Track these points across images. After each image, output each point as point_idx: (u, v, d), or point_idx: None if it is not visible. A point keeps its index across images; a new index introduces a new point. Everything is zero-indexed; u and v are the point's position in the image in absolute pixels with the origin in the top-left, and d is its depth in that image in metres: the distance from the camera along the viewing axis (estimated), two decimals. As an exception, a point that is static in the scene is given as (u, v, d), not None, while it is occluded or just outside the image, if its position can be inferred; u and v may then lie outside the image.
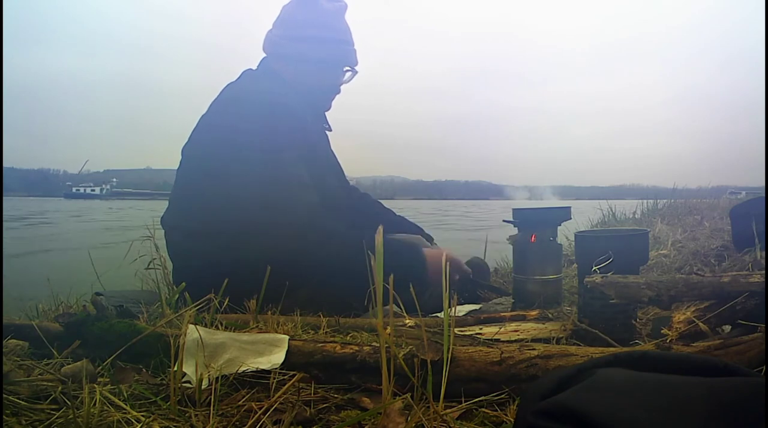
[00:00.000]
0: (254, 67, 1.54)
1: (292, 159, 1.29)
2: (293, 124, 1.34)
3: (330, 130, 1.65)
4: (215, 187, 1.28)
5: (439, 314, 1.26)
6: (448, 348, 0.72)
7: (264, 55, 1.55)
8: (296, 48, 1.48)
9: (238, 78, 1.46)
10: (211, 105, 1.39)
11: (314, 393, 0.77)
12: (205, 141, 1.37)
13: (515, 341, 0.98)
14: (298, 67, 1.49)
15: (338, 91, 1.58)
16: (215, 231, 1.26)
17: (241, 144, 1.27)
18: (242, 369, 0.79)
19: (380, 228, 0.65)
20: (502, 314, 1.18)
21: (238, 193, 1.25)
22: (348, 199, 1.64)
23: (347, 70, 1.56)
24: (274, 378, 0.78)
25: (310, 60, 1.49)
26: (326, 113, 1.62)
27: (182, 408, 0.71)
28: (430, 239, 1.72)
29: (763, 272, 0.95)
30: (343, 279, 1.23)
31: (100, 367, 0.82)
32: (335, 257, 1.24)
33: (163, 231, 1.44)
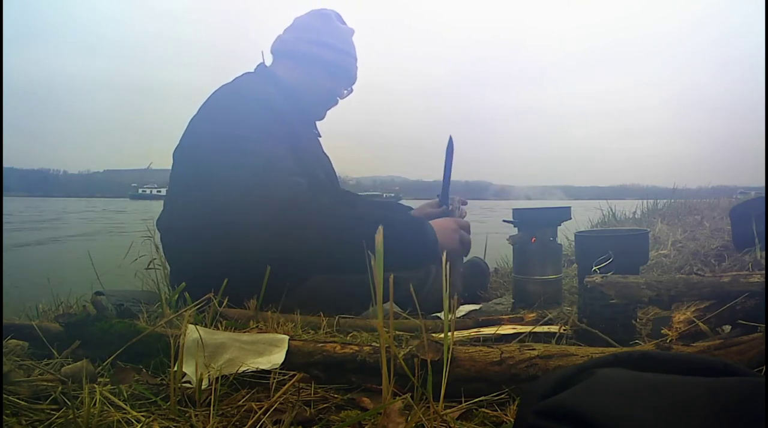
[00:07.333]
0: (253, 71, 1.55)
1: (278, 158, 1.29)
2: (281, 127, 1.34)
3: (320, 136, 1.67)
4: (205, 189, 1.27)
5: (439, 314, 1.26)
6: (448, 348, 0.72)
7: (261, 60, 1.57)
8: (308, 49, 1.52)
9: (232, 80, 1.47)
10: (200, 107, 1.40)
11: (314, 393, 0.77)
12: (194, 143, 1.38)
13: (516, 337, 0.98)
14: (306, 68, 1.53)
15: (335, 103, 1.61)
16: (208, 234, 1.26)
17: (228, 146, 1.27)
18: (242, 369, 0.79)
19: (380, 229, 0.65)
20: (501, 316, 1.18)
21: (226, 195, 1.24)
22: (340, 199, 1.65)
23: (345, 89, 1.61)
24: (274, 378, 0.78)
25: (318, 62, 1.52)
26: (327, 113, 1.63)
27: (182, 408, 0.71)
28: (409, 210, 1.75)
29: (763, 272, 0.95)
30: (346, 267, 1.21)
31: (100, 367, 0.82)
32: (333, 241, 1.23)
33: None
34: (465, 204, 1.58)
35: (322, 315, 1.14)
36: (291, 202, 1.22)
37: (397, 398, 0.69)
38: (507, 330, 1.05)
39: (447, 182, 1.59)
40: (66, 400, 0.70)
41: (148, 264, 1.39)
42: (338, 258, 1.23)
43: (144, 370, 0.84)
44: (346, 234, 1.20)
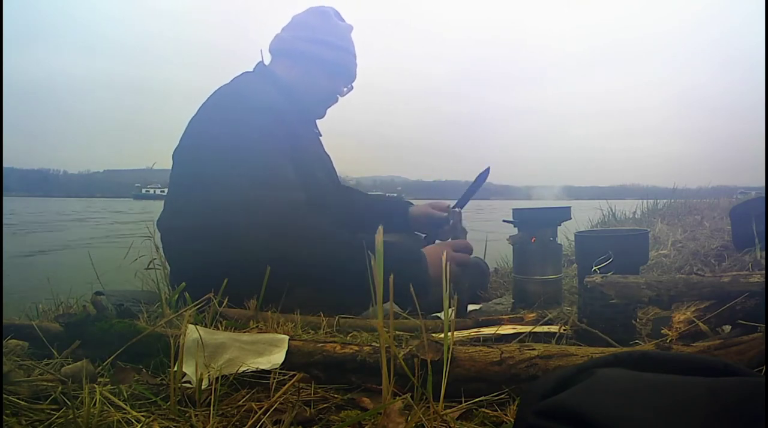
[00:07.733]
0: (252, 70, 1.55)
1: (278, 160, 1.29)
2: (281, 127, 1.34)
3: (320, 136, 1.67)
4: (204, 189, 1.27)
5: (439, 314, 1.26)
6: (448, 348, 0.72)
7: (260, 59, 1.57)
8: (307, 47, 1.52)
9: (231, 80, 1.47)
10: (200, 107, 1.39)
11: (314, 393, 0.77)
12: (193, 144, 1.38)
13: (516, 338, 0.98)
14: (305, 66, 1.52)
15: (335, 100, 1.61)
16: (208, 234, 1.26)
17: (228, 146, 1.27)
18: (242, 369, 0.79)
19: (380, 229, 0.65)
20: (501, 316, 1.17)
21: (226, 195, 1.24)
22: (341, 198, 1.65)
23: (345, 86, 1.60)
24: (274, 378, 0.78)
25: (317, 59, 1.52)
26: (327, 111, 1.63)
27: (182, 408, 0.71)
28: (409, 205, 1.76)
29: (763, 272, 0.95)
30: (335, 278, 1.22)
31: (100, 367, 0.82)
32: (326, 256, 1.23)
33: None
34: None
35: (322, 315, 1.14)
36: (287, 225, 1.22)
37: (397, 398, 0.69)
38: (507, 330, 1.05)
39: (467, 198, 1.57)
40: (66, 400, 0.70)
41: (148, 264, 1.39)
42: (333, 275, 1.23)
43: (144, 370, 0.84)
44: (346, 264, 1.20)
